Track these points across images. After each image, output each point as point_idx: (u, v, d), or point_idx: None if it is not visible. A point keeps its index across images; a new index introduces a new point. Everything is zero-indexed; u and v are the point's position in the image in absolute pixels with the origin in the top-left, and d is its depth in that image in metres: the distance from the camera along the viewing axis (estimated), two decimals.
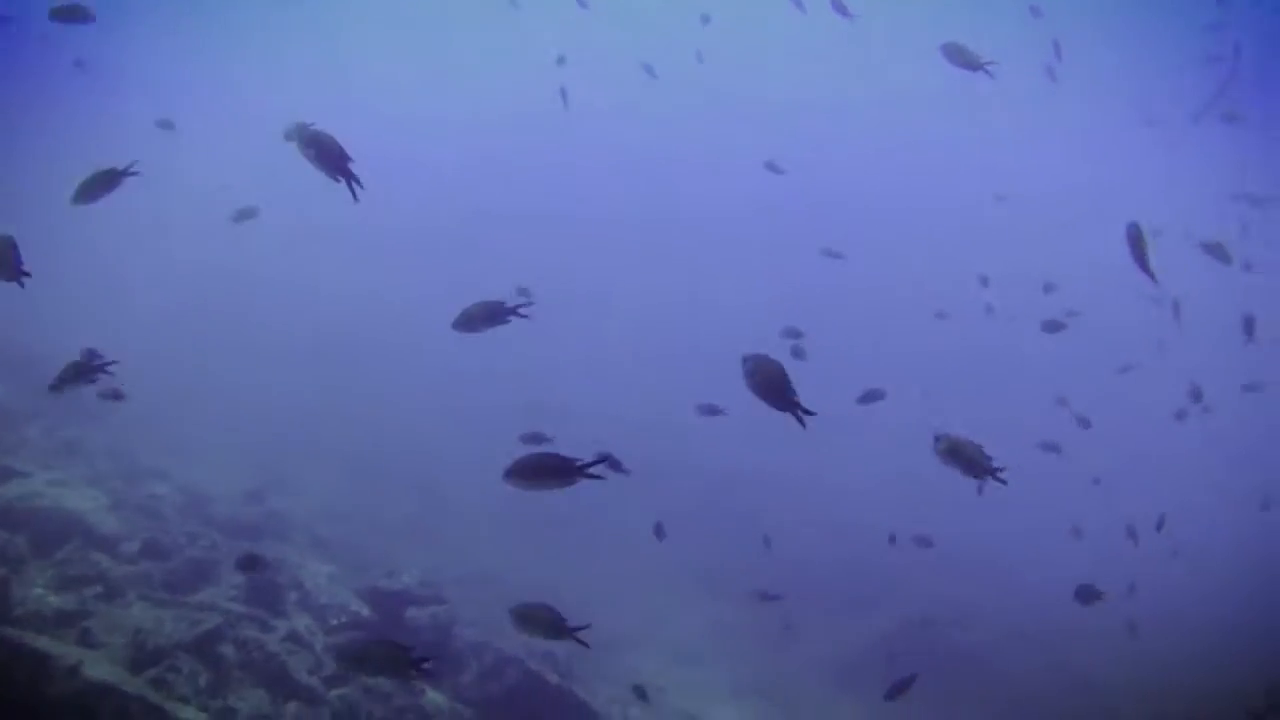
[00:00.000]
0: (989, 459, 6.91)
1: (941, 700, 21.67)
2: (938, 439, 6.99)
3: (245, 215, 16.61)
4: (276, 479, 23.40)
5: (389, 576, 14.27)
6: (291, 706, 10.48)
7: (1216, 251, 14.88)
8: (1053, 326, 19.20)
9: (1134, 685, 23.74)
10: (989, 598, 24.64)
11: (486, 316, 7.16)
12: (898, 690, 12.09)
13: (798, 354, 16.82)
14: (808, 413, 6.39)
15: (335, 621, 12.82)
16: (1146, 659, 23.70)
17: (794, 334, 17.05)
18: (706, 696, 20.24)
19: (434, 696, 11.45)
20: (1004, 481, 6.97)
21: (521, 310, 7.08)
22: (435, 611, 13.50)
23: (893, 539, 15.23)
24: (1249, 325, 16.70)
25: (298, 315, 36.24)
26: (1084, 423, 22.66)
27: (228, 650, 10.92)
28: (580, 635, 7.09)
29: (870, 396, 15.99)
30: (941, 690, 21.48)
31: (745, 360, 6.42)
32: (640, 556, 26.46)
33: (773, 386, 6.33)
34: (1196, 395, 21.30)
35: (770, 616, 23.77)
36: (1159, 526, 15.06)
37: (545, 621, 7.10)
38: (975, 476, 7.11)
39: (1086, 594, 13.61)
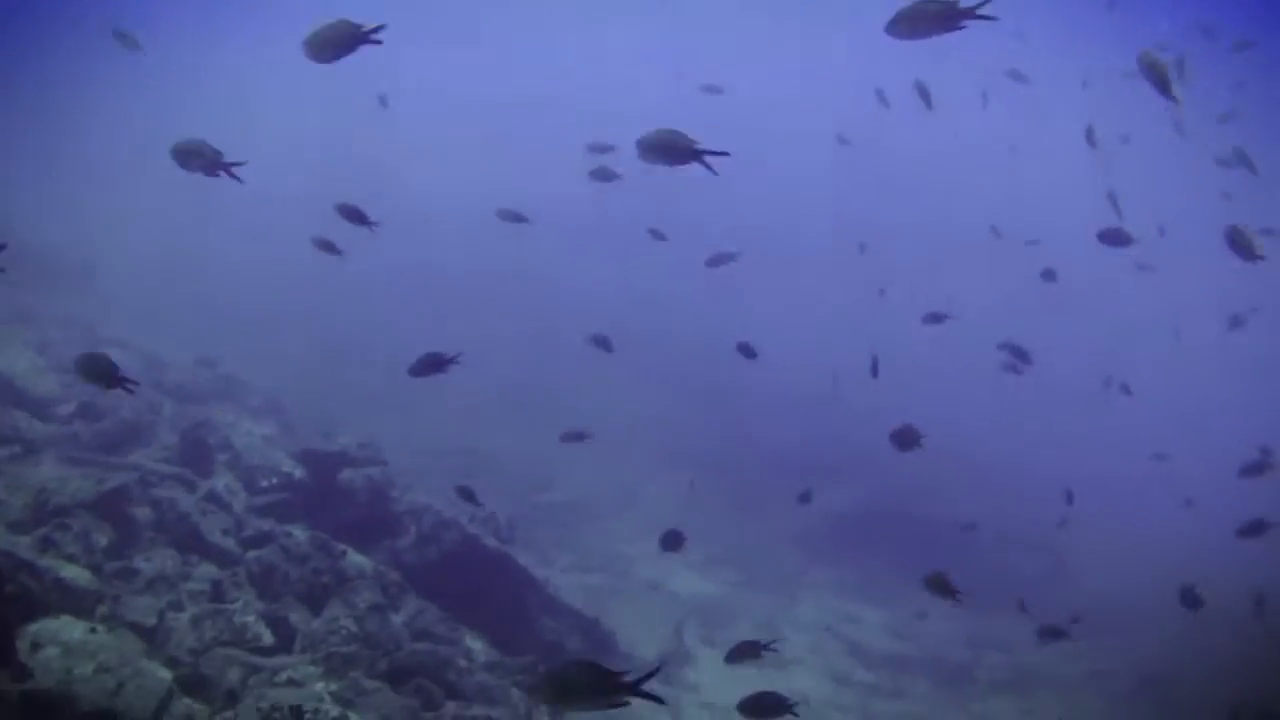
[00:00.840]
0: None
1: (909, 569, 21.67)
2: None
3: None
4: (244, 351, 23.19)
5: (325, 438, 14.06)
6: (203, 569, 10.32)
7: None
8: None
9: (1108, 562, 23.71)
10: (969, 480, 24.47)
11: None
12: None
13: None
14: (718, 154, 6.32)
15: (265, 483, 12.64)
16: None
17: None
18: (674, 566, 20.21)
19: (356, 559, 11.28)
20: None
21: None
22: (371, 474, 13.30)
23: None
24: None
25: (279, 185, 35.43)
26: None
27: (141, 511, 10.76)
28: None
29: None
30: (910, 560, 21.45)
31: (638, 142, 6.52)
32: (617, 430, 26.44)
33: (671, 147, 6.43)
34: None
35: (746, 488, 23.72)
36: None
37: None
38: None
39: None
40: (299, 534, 11.24)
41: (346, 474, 13.25)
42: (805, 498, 16.26)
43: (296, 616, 10.07)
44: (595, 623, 13.19)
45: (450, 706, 9.25)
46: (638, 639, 15.36)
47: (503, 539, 13.86)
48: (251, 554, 10.89)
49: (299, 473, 13.07)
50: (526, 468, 23.11)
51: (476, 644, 11.09)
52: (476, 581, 12.67)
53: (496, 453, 23.49)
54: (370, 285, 29.72)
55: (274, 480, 12.71)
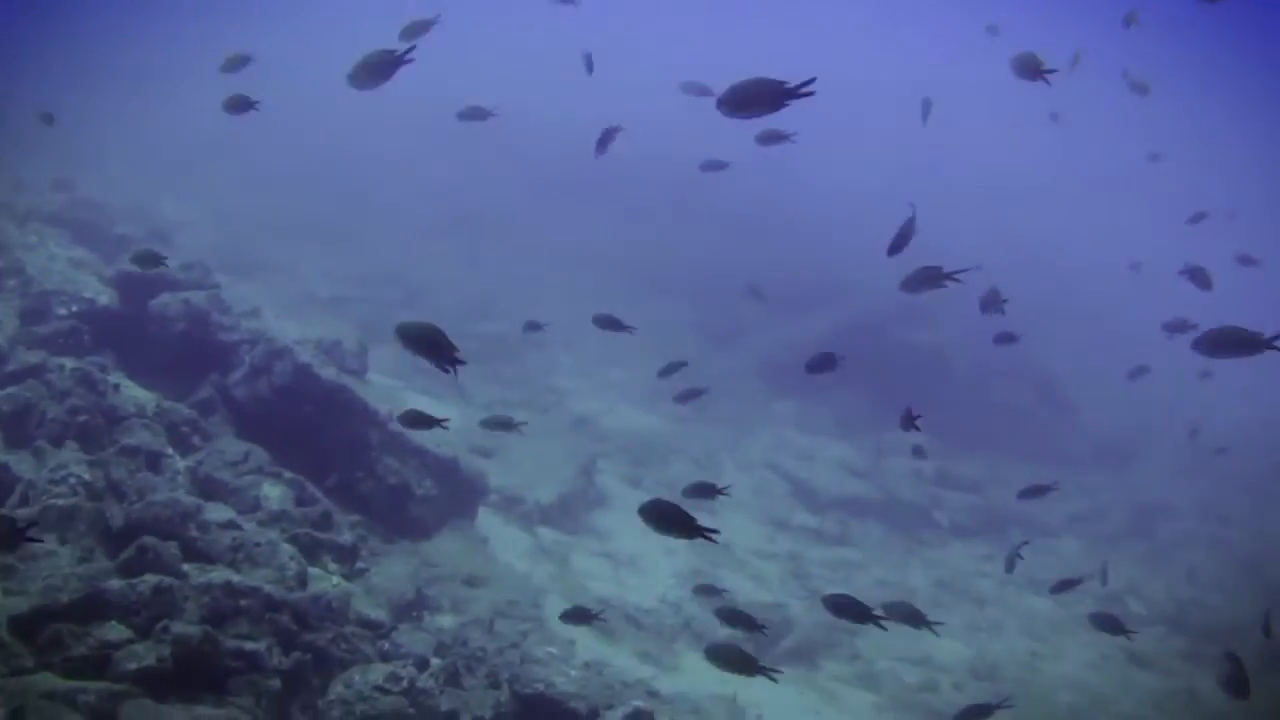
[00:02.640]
0: None
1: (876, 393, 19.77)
2: None
3: None
4: (169, 187, 21.40)
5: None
6: None
7: None
8: None
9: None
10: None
11: None
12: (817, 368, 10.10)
13: None
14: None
15: (63, 311, 10.91)
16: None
17: None
18: (615, 398, 18.49)
19: (135, 394, 9.60)
20: None
21: None
22: (192, 298, 11.48)
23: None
24: None
25: None
26: None
27: None
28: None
29: None
30: (882, 391, 19.54)
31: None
32: (577, 256, 24.48)
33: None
34: None
35: (718, 317, 21.80)
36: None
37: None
38: None
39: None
40: (70, 366, 9.52)
41: (163, 299, 11.46)
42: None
43: (28, 464, 8.41)
44: (453, 464, 11.49)
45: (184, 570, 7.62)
46: (538, 480, 13.69)
47: (350, 368, 12.08)
48: (5, 391, 9.20)
49: (106, 299, 11.33)
50: (465, 296, 21.31)
51: (274, 491, 9.42)
52: (310, 418, 10.96)
53: (435, 280, 21.69)
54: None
55: (73, 308, 10.96)
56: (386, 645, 8.08)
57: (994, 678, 12.57)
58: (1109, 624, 9.40)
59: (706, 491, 8.71)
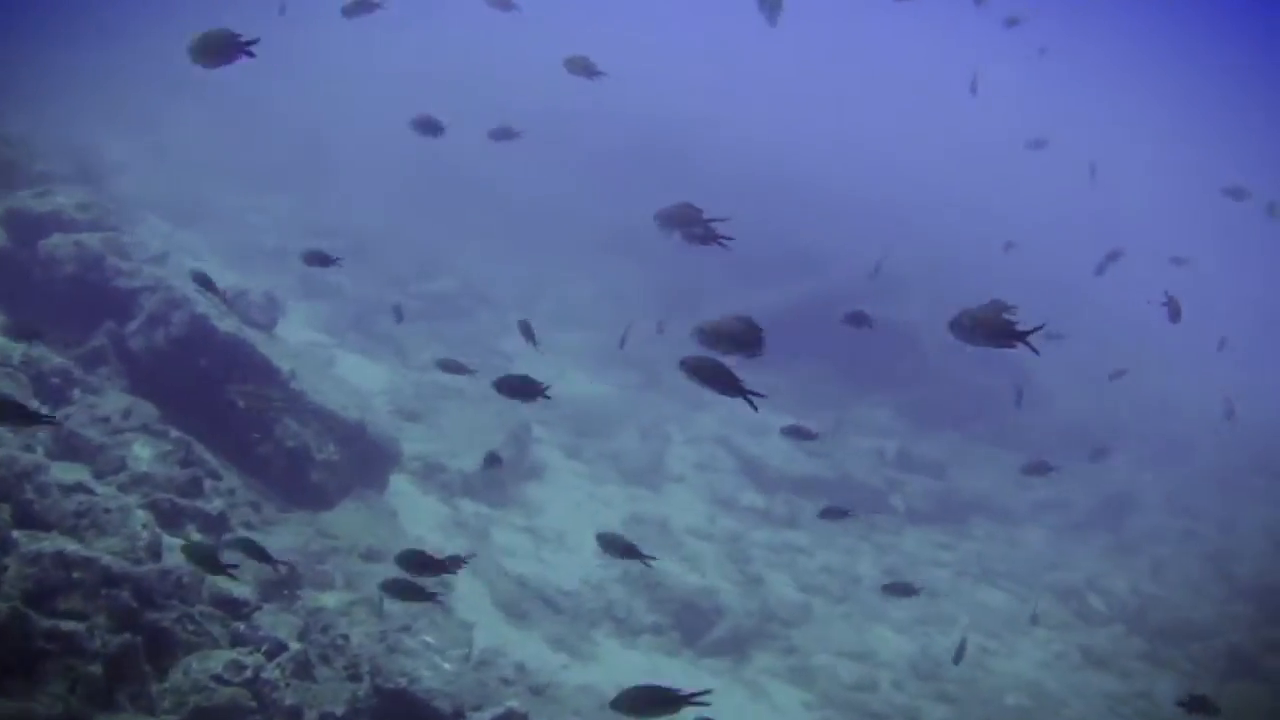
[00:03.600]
0: None
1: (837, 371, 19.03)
2: None
3: None
4: (119, 128, 20.42)
5: (38, 197, 11.29)
6: None
7: None
8: None
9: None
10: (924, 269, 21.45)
11: None
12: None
13: None
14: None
15: None
16: None
17: None
18: (567, 364, 17.67)
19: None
20: None
21: None
22: (84, 240, 10.59)
23: None
24: None
25: None
26: None
27: None
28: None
29: None
30: (848, 366, 18.80)
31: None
32: (550, 214, 23.56)
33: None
34: None
35: (682, 282, 20.93)
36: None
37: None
38: None
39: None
40: None
41: (54, 240, 10.56)
42: None
43: None
44: (359, 427, 10.66)
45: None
46: (465, 447, 12.88)
47: (254, 321, 11.22)
48: None
49: None
50: (418, 251, 20.41)
51: (145, 452, 8.62)
52: (207, 373, 10.11)
53: (388, 234, 20.75)
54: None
55: None
56: (242, 628, 7.27)
57: (937, 677, 11.86)
58: (900, 590, 9.68)
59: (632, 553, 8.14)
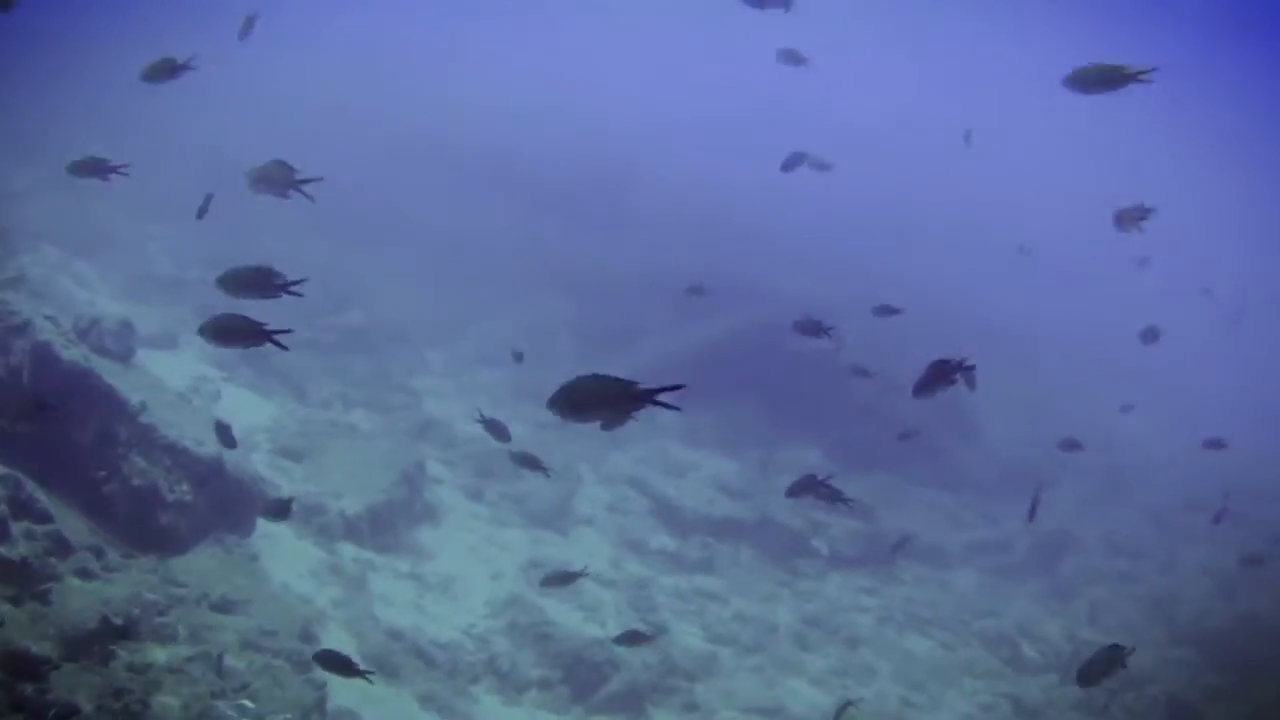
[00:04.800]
0: None
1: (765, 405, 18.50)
2: None
3: None
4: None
5: None
6: None
7: None
8: None
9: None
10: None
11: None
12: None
13: None
14: None
15: None
16: None
17: None
18: (481, 402, 16.92)
19: None
20: None
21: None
22: None
23: None
24: None
25: None
26: None
27: None
28: None
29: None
30: (781, 403, 18.27)
31: None
32: (474, 247, 22.95)
33: None
34: None
35: (607, 318, 20.37)
36: None
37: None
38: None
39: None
40: None
41: None
42: None
43: None
44: (217, 465, 9.90)
45: None
46: (350, 487, 12.14)
47: (107, 350, 10.47)
48: None
49: None
50: (330, 283, 19.65)
51: None
52: (52, 404, 9.34)
53: (298, 264, 19.85)
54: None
55: None
56: (29, 690, 6.50)
57: None
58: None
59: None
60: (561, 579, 9.31)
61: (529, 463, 9.78)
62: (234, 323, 6.33)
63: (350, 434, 13.52)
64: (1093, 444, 21.45)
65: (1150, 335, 14.14)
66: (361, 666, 7.12)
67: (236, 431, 12.29)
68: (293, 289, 6.46)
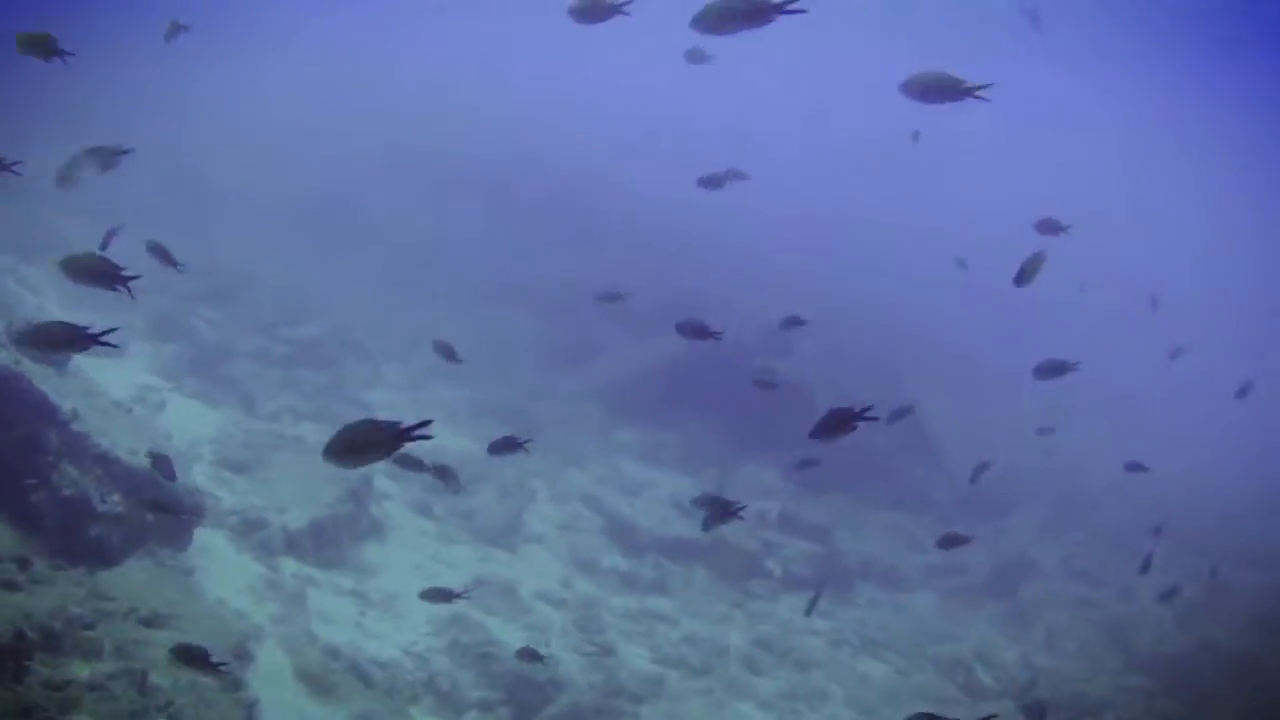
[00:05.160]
0: None
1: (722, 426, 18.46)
2: None
3: None
4: None
5: None
6: None
7: None
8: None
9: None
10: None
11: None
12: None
13: None
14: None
15: None
16: None
17: None
18: (435, 417, 16.72)
19: None
20: None
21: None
22: None
23: None
24: None
25: None
26: None
27: None
28: None
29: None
30: (734, 415, 18.22)
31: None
32: (437, 259, 22.85)
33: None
34: None
35: (567, 334, 20.26)
36: None
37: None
38: None
39: None
40: None
41: None
42: None
43: None
44: (150, 479, 9.72)
45: None
46: (294, 501, 11.97)
47: (42, 360, 10.28)
48: None
49: None
50: (290, 294, 19.53)
51: None
52: None
53: (259, 274, 19.86)
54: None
55: None
56: None
57: None
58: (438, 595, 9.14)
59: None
60: (441, 595, 9.19)
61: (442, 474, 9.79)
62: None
63: (296, 447, 13.32)
64: (1054, 469, 21.66)
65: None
66: (215, 660, 7.16)
67: (179, 442, 12.20)
68: (126, 287, 6.31)
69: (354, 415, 15.74)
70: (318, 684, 9.58)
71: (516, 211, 24.83)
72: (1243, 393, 16.72)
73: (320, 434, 14.87)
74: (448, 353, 10.70)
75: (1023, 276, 9.39)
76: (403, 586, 11.77)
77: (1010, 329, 24.40)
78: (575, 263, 22.67)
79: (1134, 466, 13.95)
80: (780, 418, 18.21)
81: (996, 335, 24.90)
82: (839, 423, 6.68)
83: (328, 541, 11.98)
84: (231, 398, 15.13)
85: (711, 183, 11.52)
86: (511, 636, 11.19)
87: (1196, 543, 17.85)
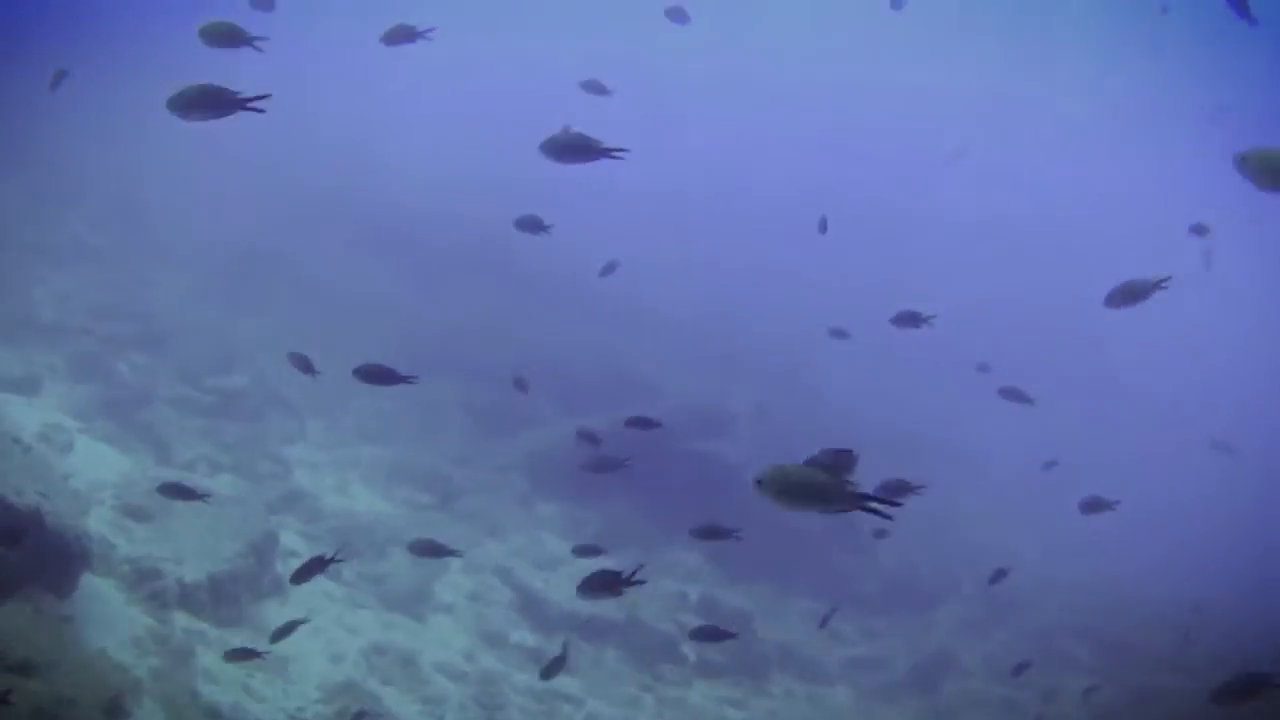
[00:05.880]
0: None
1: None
2: None
3: None
4: None
5: None
6: None
7: None
8: None
9: None
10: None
11: None
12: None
13: None
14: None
15: None
16: None
17: None
18: (355, 477, 16.71)
19: None
20: None
21: None
22: None
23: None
24: None
25: None
26: None
27: None
28: None
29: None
30: (660, 495, 18.19)
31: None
32: (367, 321, 22.79)
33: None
34: None
35: (499, 402, 20.21)
36: None
37: None
38: None
39: None
40: None
41: None
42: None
43: None
44: (35, 517, 9.51)
45: None
46: (195, 554, 11.77)
47: None
48: None
49: None
50: (217, 342, 19.37)
51: None
52: None
53: (187, 322, 19.71)
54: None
55: None
56: None
57: None
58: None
59: None
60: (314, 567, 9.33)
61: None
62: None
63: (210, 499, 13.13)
64: (984, 567, 21.72)
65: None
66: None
67: (80, 484, 12.03)
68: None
69: (273, 471, 15.67)
70: None
71: (452, 267, 24.93)
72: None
73: (237, 487, 14.76)
74: (304, 365, 11.21)
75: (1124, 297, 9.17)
76: (298, 649, 11.57)
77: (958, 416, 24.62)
78: (509, 331, 22.77)
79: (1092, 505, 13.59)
80: (705, 503, 18.26)
81: (935, 421, 25.13)
82: (606, 583, 7.39)
83: (226, 598, 11.78)
84: (145, 444, 14.96)
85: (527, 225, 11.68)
86: (405, 709, 11.02)
87: (1118, 648, 17.96)
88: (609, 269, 14.46)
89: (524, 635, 13.97)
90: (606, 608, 15.02)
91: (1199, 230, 17.87)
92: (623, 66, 21.64)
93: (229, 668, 10.76)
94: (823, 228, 14.98)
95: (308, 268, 23.97)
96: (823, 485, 5.14)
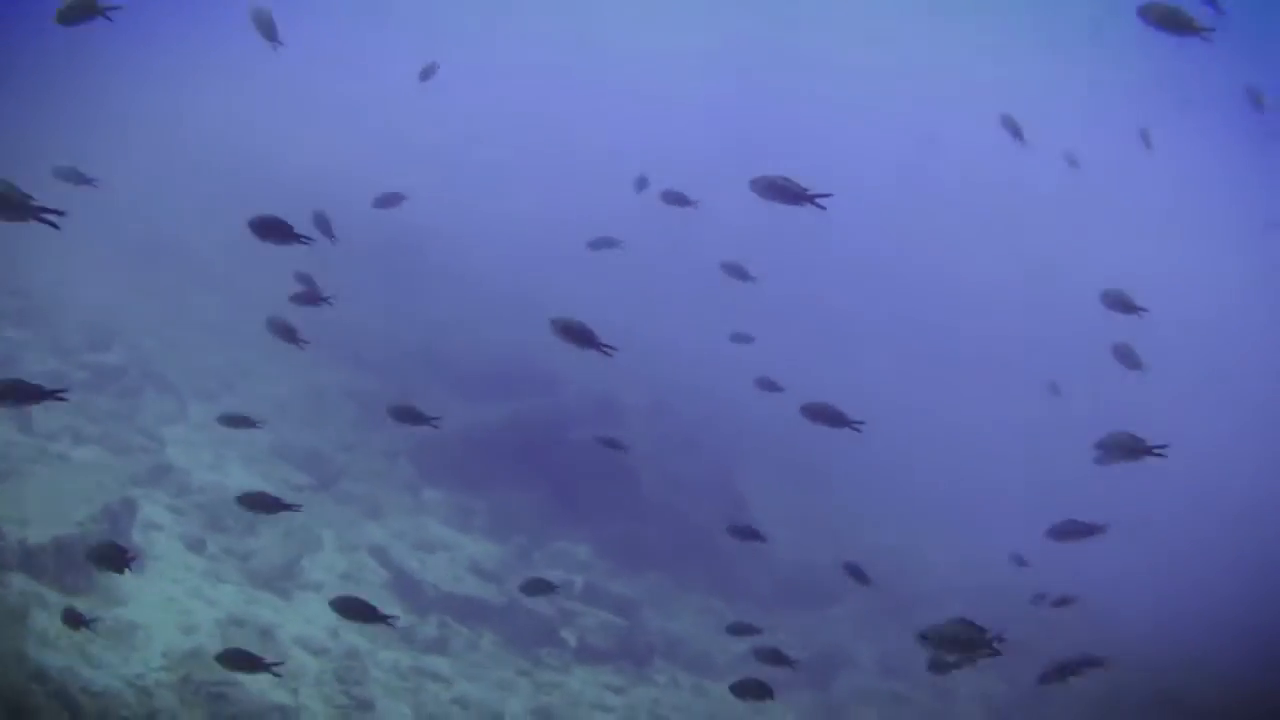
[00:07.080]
0: None
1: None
2: None
3: None
4: None
5: None
6: None
7: None
8: None
9: None
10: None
11: None
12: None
13: None
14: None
15: None
16: None
17: None
18: (233, 456, 16.40)
19: None
20: None
21: None
22: None
23: None
24: None
25: None
26: None
27: None
28: None
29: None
30: (552, 487, 18.13)
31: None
32: (266, 301, 22.45)
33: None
34: None
35: (389, 389, 20.03)
36: None
37: None
38: None
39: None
40: None
41: None
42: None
43: None
44: None
45: None
46: (44, 517, 11.43)
47: None
48: None
49: None
50: (98, 318, 18.99)
51: None
52: None
53: (72, 299, 19.33)
54: None
55: None
56: None
57: None
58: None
59: None
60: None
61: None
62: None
63: (59, 461, 12.83)
64: (886, 570, 21.93)
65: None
66: None
67: None
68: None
69: (143, 445, 15.33)
70: (17, 708, 9.06)
71: (350, 259, 24.70)
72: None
73: (101, 458, 14.41)
74: (287, 333, 11.46)
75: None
76: (147, 618, 11.31)
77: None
78: (403, 319, 22.62)
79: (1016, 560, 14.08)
80: (597, 495, 18.26)
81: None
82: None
83: (73, 564, 11.41)
84: (4, 413, 14.52)
85: None
86: (255, 680, 10.73)
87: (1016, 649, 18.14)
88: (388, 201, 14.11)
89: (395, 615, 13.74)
90: (485, 592, 14.91)
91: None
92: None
93: (67, 632, 10.45)
94: (640, 186, 15.05)
95: (208, 258, 23.69)
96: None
